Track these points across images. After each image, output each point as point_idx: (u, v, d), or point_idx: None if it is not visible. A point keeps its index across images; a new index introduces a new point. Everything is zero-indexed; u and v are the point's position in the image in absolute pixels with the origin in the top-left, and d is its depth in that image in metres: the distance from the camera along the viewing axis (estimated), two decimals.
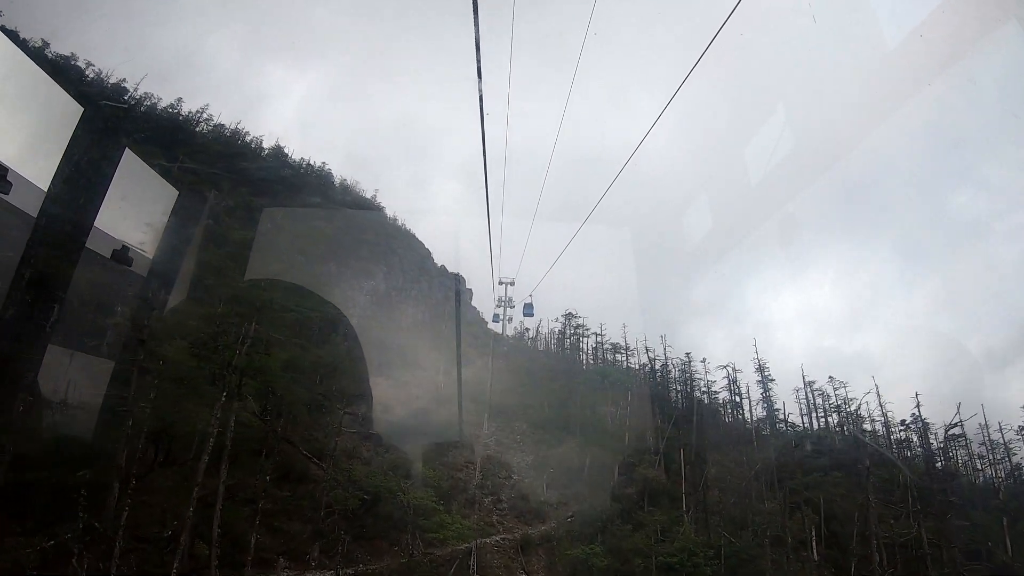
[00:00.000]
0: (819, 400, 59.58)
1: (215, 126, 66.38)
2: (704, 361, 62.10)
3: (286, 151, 71.83)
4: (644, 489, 38.85)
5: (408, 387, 49.49)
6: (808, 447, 51.42)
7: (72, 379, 26.85)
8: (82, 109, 25.49)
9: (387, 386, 48.41)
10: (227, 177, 55.62)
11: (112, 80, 56.57)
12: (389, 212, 75.12)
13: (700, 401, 60.13)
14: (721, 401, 61.53)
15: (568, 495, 40.93)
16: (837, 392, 59.26)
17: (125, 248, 27.74)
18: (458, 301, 71.33)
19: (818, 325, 79.42)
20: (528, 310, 54.32)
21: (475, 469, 41.60)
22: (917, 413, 47.92)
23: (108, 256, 27.19)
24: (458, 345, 55.91)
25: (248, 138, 68.87)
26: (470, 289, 78.70)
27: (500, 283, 59.11)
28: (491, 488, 39.96)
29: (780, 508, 37.64)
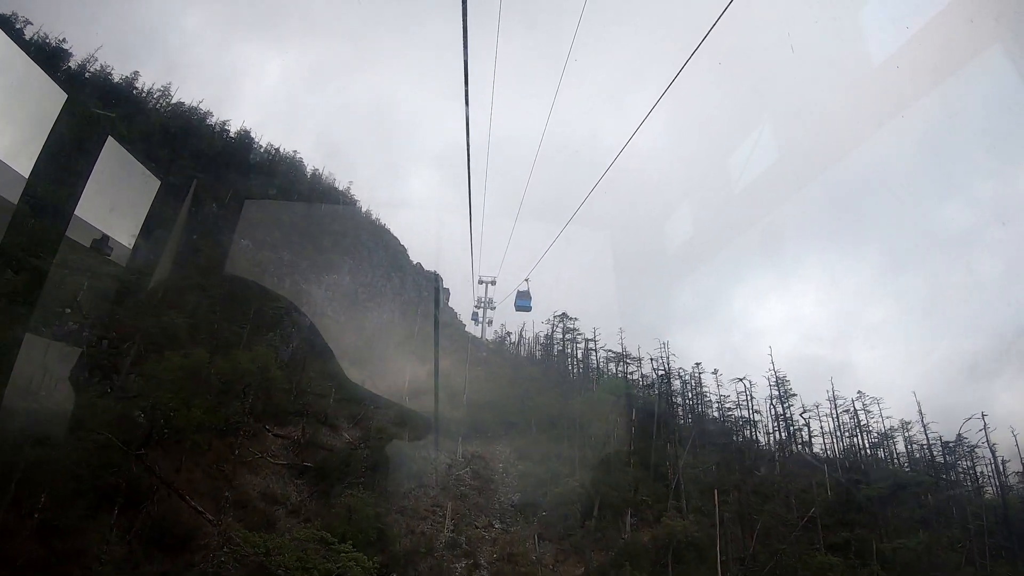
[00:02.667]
0: (831, 413, 50.77)
1: (175, 104, 58.27)
2: (716, 373, 53.05)
3: (252, 135, 64.48)
4: (668, 543, 29.18)
5: (368, 400, 39.65)
6: (850, 477, 42.32)
7: None
8: (66, 96, 26.05)
9: (339, 401, 38.64)
10: (180, 157, 49.44)
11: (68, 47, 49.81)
12: (363, 206, 69.01)
13: (714, 419, 51.10)
14: (735, 419, 52.39)
15: (567, 549, 31.03)
16: (868, 409, 50.68)
17: (105, 238, 27.77)
18: (436, 302, 64.67)
19: (803, 333, 79.52)
20: (522, 301, 42.85)
21: (445, 515, 31.55)
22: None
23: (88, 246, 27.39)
24: (436, 356, 46.25)
25: (213, 120, 61.32)
26: (447, 289, 71.16)
27: (480, 282, 52.28)
28: (466, 545, 29.77)
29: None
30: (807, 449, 51.39)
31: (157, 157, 42.57)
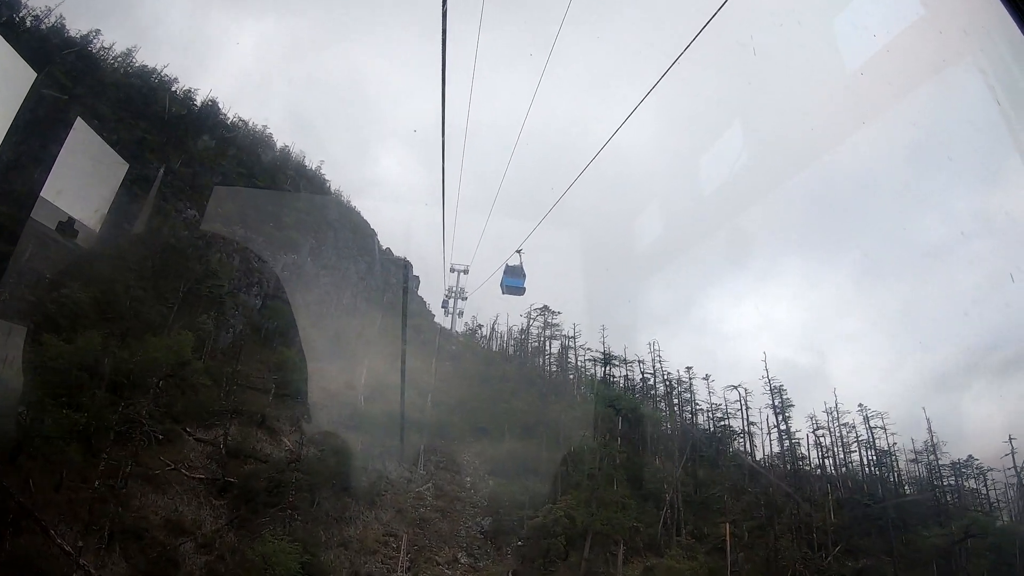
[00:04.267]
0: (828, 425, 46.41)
1: (139, 67, 52.16)
2: (708, 379, 48.15)
3: (220, 106, 58.24)
4: None
5: (318, 397, 33.83)
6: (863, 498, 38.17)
7: None
8: (35, 75, 24.94)
9: (282, 398, 32.75)
10: (132, 118, 44.79)
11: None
12: (333, 186, 64.95)
13: (706, 430, 46.37)
14: (728, 430, 47.72)
15: None
16: (871, 422, 46.63)
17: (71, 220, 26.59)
18: (405, 290, 61.09)
19: (777, 338, 79.90)
20: (513, 279, 31.96)
21: (399, 549, 25.73)
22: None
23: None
24: (403, 350, 40.71)
25: (178, 87, 55.03)
26: (417, 277, 66.90)
27: (452, 270, 47.00)
28: None
29: None
30: (808, 464, 47.59)
31: (102, 115, 39.12)
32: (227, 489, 24.75)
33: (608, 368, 46.75)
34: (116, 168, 37.47)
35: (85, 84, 40.58)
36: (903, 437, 43.41)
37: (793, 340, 78.07)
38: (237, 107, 67.75)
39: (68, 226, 29.58)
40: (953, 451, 42.61)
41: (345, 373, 38.52)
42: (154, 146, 45.27)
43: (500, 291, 32.82)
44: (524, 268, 31.17)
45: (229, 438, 27.21)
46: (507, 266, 31.93)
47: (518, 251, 29.99)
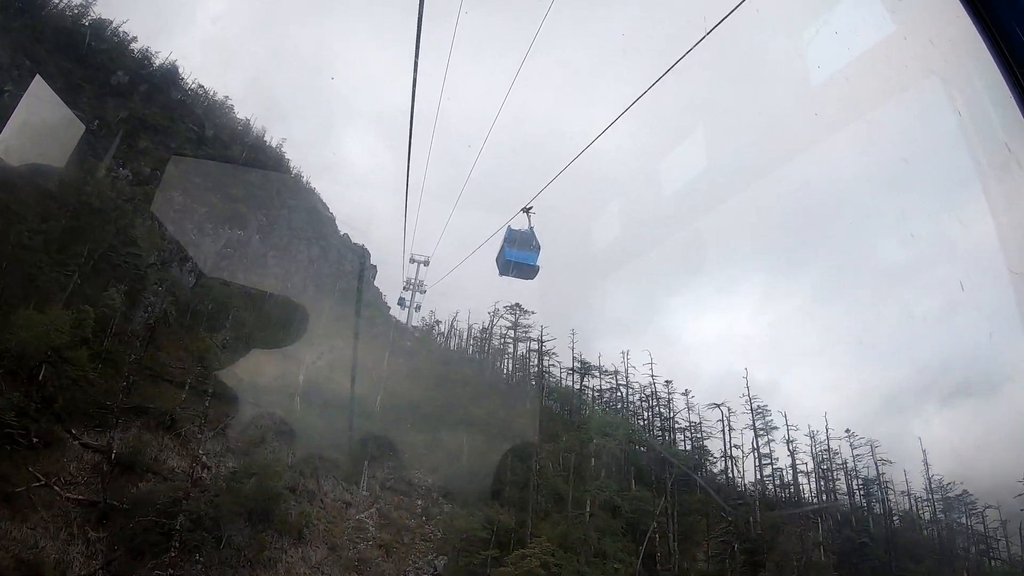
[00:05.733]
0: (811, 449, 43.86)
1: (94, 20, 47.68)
2: (688, 394, 44.44)
3: (180, 71, 54.18)
4: None
5: (247, 395, 28.48)
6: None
7: None
8: None
9: (201, 395, 27.20)
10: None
11: None
12: (294, 167, 61.39)
13: (685, 451, 42.74)
14: (704, 450, 44.23)
15: None
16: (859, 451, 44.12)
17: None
18: (361, 277, 56.78)
19: (734, 350, 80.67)
20: (519, 252, 20.47)
21: None
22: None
23: None
24: (355, 348, 35.98)
25: (136, 46, 50.77)
26: (374, 266, 62.85)
27: (412, 260, 43.77)
28: None
29: None
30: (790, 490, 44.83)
31: (37, 56, 36.61)
32: (108, 516, 19.18)
33: (580, 378, 42.43)
34: (40, 111, 32.49)
35: (23, 21, 37.61)
36: (895, 468, 41.53)
37: (751, 353, 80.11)
38: (205, 79, 65.24)
39: None
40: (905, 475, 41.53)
41: (282, 368, 33.20)
42: (90, 97, 40.83)
43: (497, 271, 21.47)
44: (537, 237, 20.06)
45: (126, 445, 21.60)
46: (509, 231, 20.15)
47: (526, 209, 18.05)
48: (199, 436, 24.09)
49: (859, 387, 64.46)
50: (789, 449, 42.66)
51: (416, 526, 25.88)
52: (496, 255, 21.10)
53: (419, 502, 27.86)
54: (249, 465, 23.01)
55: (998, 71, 2.09)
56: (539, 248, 20.25)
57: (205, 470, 22.68)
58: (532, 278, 21.65)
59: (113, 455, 20.99)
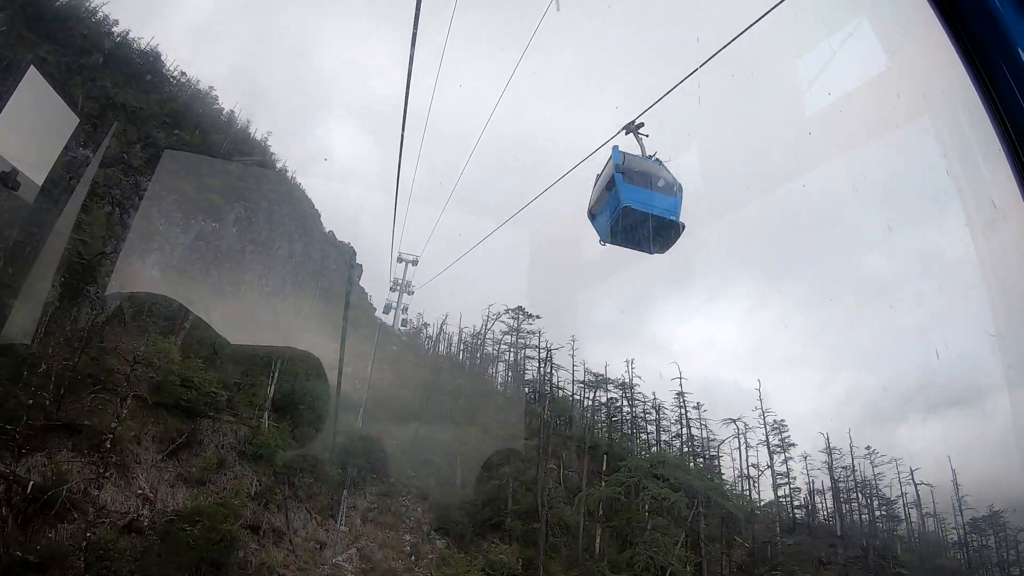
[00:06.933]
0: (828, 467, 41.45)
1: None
2: (699, 407, 41.25)
3: (163, 57, 50.29)
4: None
5: (206, 410, 24.22)
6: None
7: None
8: None
9: (152, 409, 22.96)
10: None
11: None
12: (281, 162, 58.61)
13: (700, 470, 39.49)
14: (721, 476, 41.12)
15: None
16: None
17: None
18: (349, 279, 54.64)
19: (719, 357, 78.20)
20: (648, 201, 10.83)
21: None
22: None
23: None
24: (341, 355, 31.78)
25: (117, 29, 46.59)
26: (360, 265, 60.46)
27: (400, 260, 41.65)
28: None
29: None
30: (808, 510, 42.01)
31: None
32: (12, 575, 14.85)
33: (594, 392, 38.67)
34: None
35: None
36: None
37: (737, 361, 78.05)
38: (190, 69, 61.87)
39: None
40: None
41: (251, 377, 29.00)
42: (53, 70, 35.81)
43: (597, 234, 11.94)
44: (675, 178, 11.52)
45: (47, 473, 17.29)
46: (617, 154, 11.52)
47: (633, 128, 11.42)
48: (145, 460, 19.80)
49: (839, 395, 63.43)
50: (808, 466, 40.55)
51: (403, 570, 21.74)
52: (590, 203, 12.23)
53: (407, 537, 23.75)
54: (200, 502, 18.69)
55: (988, 119, 2.07)
56: (680, 187, 11.36)
57: (146, 505, 18.33)
58: (668, 247, 11.50)
59: (29, 488, 16.66)
